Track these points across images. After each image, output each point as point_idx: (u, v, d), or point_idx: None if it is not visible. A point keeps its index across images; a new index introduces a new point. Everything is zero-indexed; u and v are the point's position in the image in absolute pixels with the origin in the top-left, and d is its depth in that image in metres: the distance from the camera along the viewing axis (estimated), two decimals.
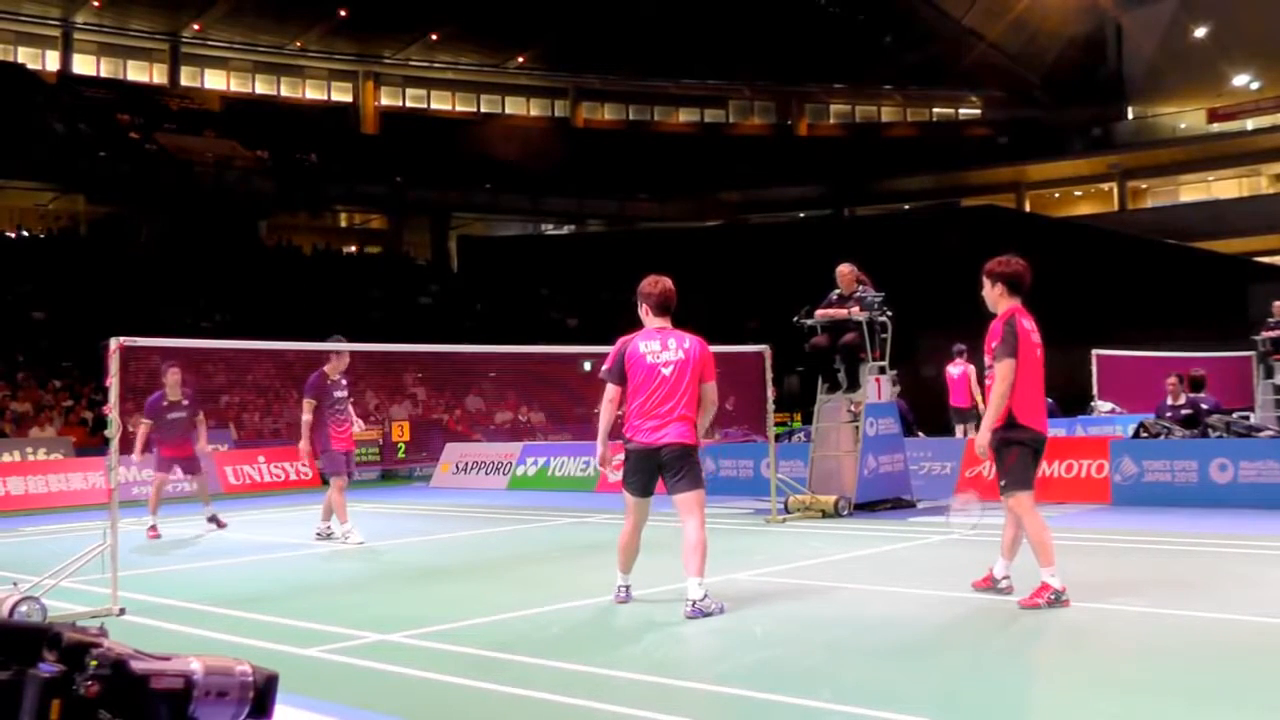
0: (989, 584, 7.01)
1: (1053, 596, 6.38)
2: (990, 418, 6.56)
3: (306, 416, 10.87)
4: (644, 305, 6.85)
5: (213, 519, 12.71)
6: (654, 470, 6.71)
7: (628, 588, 7.08)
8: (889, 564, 8.70)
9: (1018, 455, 6.55)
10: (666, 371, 6.64)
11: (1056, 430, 15.83)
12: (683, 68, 51.10)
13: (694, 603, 6.44)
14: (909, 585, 7.48)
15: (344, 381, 11.11)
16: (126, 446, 10.36)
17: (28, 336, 25.62)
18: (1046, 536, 6.49)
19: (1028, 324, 6.65)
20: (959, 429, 17.29)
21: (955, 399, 17.56)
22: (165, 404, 12.37)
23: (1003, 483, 6.64)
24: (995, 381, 6.54)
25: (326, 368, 10.96)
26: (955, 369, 17.55)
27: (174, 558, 10.70)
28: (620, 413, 6.92)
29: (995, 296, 6.73)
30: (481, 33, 47.36)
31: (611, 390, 6.78)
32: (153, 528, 11.99)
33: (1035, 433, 6.61)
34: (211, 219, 37.25)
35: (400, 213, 45.63)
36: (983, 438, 6.67)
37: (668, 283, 6.85)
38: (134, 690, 1.42)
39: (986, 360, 6.82)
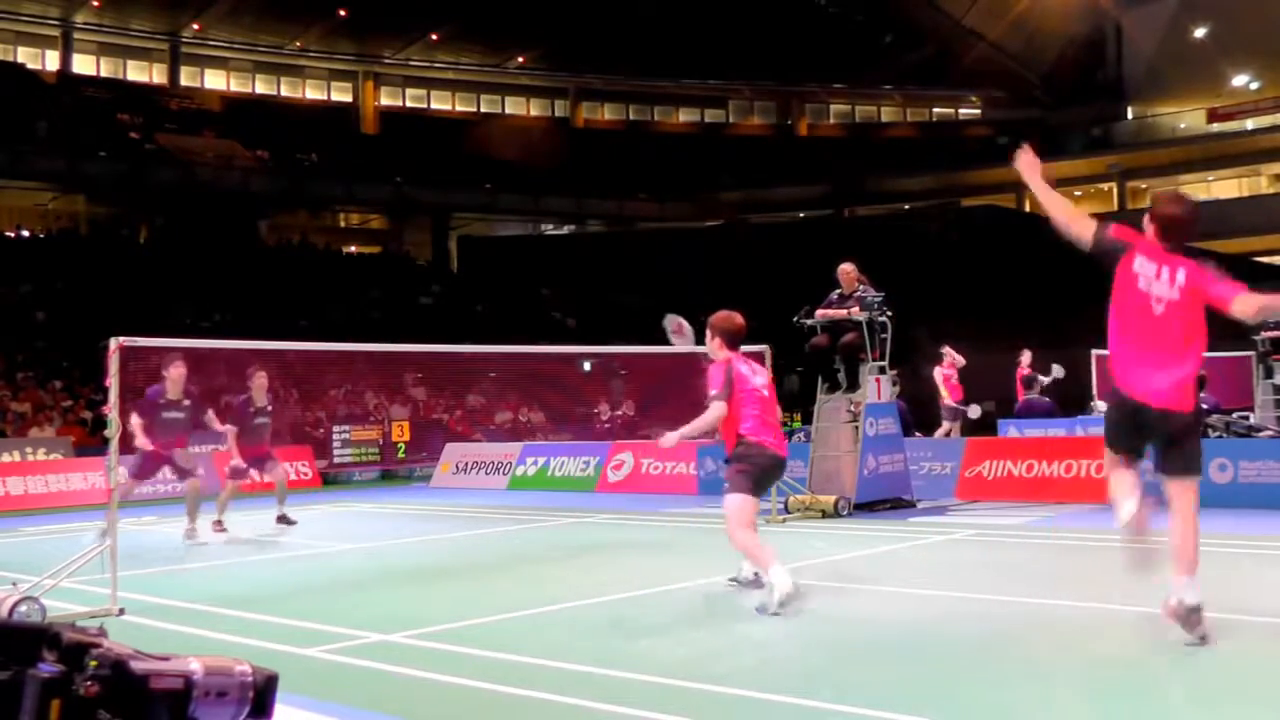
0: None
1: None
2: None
3: None
4: (717, 338, 7.11)
5: (217, 523, 12.19)
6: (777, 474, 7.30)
7: (756, 575, 7.22)
8: (889, 564, 8.70)
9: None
10: (765, 393, 7.03)
11: (1056, 430, 15.80)
12: (683, 68, 51.05)
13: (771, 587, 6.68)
14: (909, 585, 7.48)
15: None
16: (126, 446, 10.25)
17: (28, 336, 25.60)
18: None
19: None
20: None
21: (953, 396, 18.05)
22: (162, 401, 11.19)
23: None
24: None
25: None
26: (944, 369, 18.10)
27: (174, 558, 10.69)
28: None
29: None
30: (481, 33, 47.33)
31: (722, 409, 6.87)
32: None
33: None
34: (211, 219, 37.24)
35: (400, 213, 45.59)
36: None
37: (740, 319, 7.18)
38: (134, 690, 1.42)
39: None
